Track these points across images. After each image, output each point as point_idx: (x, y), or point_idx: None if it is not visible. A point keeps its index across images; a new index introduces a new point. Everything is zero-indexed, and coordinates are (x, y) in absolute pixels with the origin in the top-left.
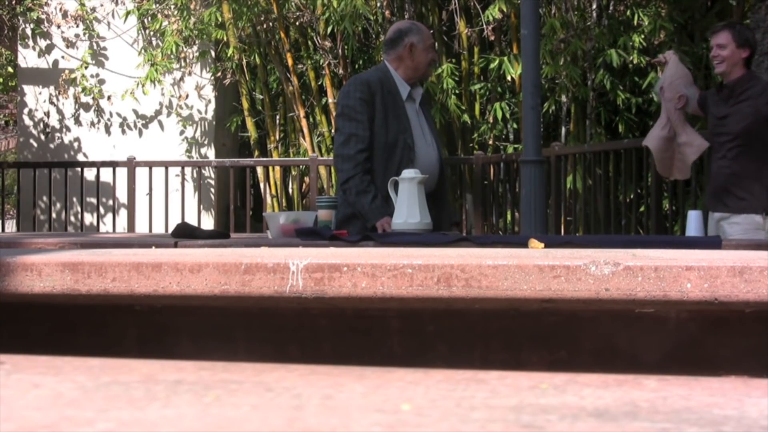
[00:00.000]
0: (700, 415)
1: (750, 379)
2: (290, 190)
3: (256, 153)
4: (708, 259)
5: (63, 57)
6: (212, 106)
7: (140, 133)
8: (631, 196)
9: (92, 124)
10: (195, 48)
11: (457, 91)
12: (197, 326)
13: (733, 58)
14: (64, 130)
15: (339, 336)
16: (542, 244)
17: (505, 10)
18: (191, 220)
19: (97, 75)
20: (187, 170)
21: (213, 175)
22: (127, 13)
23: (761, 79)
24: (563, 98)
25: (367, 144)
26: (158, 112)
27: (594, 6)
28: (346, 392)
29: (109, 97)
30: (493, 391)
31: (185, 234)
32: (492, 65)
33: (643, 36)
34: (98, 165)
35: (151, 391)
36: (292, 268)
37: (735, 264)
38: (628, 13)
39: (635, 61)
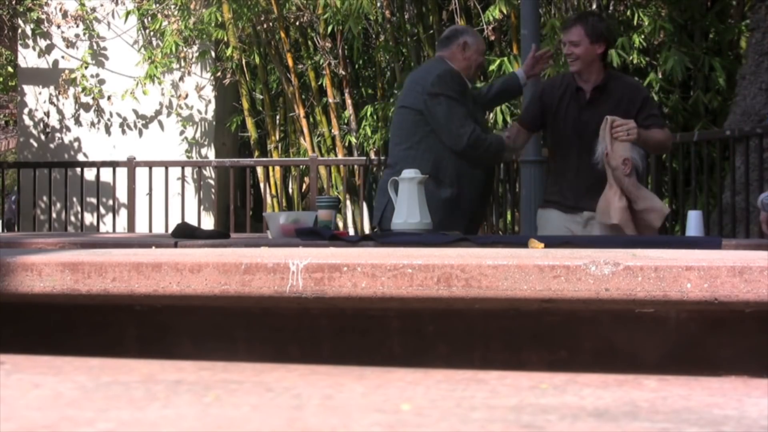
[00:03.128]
0: (700, 415)
1: (750, 379)
2: (290, 190)
3: (256, 153)
4: (708, 259)
5: (63, 57)
6: (212, 106)
7: (140, 133)
8: None
9: (92, 124)
10: (195, 48)
11: None
12: (197, 326)
13: (588, 55)
14: (64, 130)
15: (339, 336)
16: (542, 244)
17: (505, 10)
18: (191, 220)
19: (97, 75)
20: (187, 170)
21: (213, 175)
22: (127, 13)
23: (624, 78)
24: None
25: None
26: (158, 112)
27: (594, 6)
28: (346, 392)
29: (109, 97)
30: (493, 391)
31: (185, 234)
32: (492, 66)
33: (642, 36)
34: (98, 165)
35: (151, 391)
36: (292, 268)
37: (735, 264)
38: (628, 13)
39: (635, 61)
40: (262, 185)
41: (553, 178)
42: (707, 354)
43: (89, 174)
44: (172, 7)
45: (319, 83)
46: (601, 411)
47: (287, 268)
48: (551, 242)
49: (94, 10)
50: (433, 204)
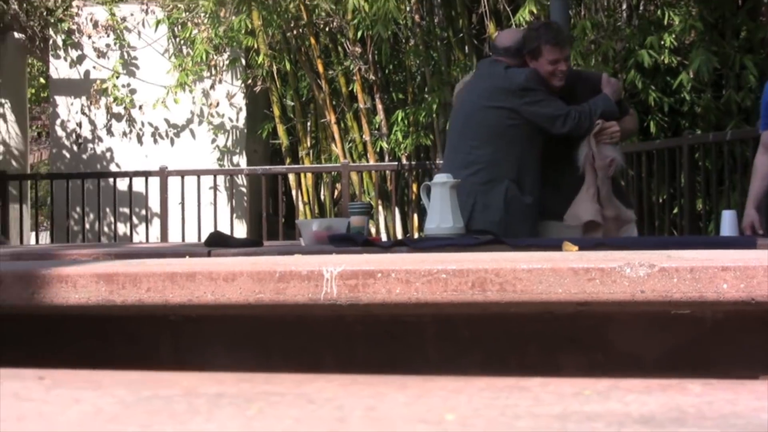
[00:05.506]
0: (748, 420)
1: None
2: (322, 197)
3: (288, 160)
4: (744, 259)
5: (94, 67)
6: (243, 113)
7: (172, 143)
8: (664, 197)
9: (124, 134)
10: (225, 56)
11: None
12: (232, 335)
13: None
14: (96, 140)
15: (374, 342)
16: (576, 247)
17: (535, 11)
18: (224, 228)
19: (128, 85)
20: (219, 179)
21: (245, 183)
22: (158, 22)
23: (580, 73)
24: None
25: None
26: (189, 121)
27: (624, 6)
28: (389, 402)
29: (140, 107)
30: (536, 399)
31: (218, 243)
32: None
33: (673, 35)
34: (131, 175)
35: (193, 405)
36: (326, 276)
37: None
38: (659, 12)
39: (666, 61)
40: (294, 192)
41: (550, 189)
42: (745, 356)
43: (122, 184)
44: (202, 15)
45: (350, 89)
46: (647, 418)
47: (321, 276)
48: (585, 245)
49: (124, 19)
50: (517, 210)
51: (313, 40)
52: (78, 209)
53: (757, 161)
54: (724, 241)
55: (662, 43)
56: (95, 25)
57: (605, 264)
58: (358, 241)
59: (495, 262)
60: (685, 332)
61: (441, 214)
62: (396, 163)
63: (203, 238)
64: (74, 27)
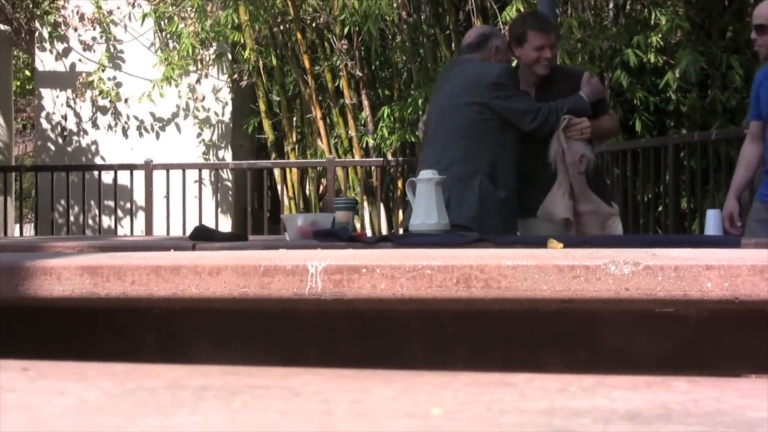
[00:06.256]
0: (734, 418)
1: None
2: (307, 192)
3: (273, 155)
4: (728, 258)
5: (80, 60)
6: (229, 108)
7: (157, 136)
8: (649, 196)
9: (109, 127)
10: (211, 50)
11: None
12: (217, 329)
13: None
14: (81, 133)
15: (359, 338)
16: (561, 244)
17: (522, 9)
18: (209, 222)
19: (114, 78)
20: (205, 173)
21: (230, 178)
22: (144, 16)
23: (563, 68)
24: None
25: None
26: (175, 115)
27: (611, 5)
28: (374, 397)
29: (126, 100)
30: (522, 395)
31: (203, 237)
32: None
33: (660, 35)
34: (116, 168)
35: (178, 397)
36: (311, 270)
37: (756, 263)
38: (645, 12)
39: (652, 61)
40: (279, 187)
41: (530, 186)
42: (730, 354)
43: (107, 177)
44: (189, 9)
45: (336, 84)
46: (634, 414)
47: (306, 270)
48: (570, 242)
49: (110, 13)
50: (492, 205)
51: (299, 36)
52: (63, 202)
53: (743, 150)
54: (708, 240)
55: (648, 42)
56: (81, 18)
57: (590, 261)
58: (343, 237)
59: (480, 258)
60: (670, 330)
61: (426, 210)
62: (381, 159)
63: (188, 232)
64: (60, 20)
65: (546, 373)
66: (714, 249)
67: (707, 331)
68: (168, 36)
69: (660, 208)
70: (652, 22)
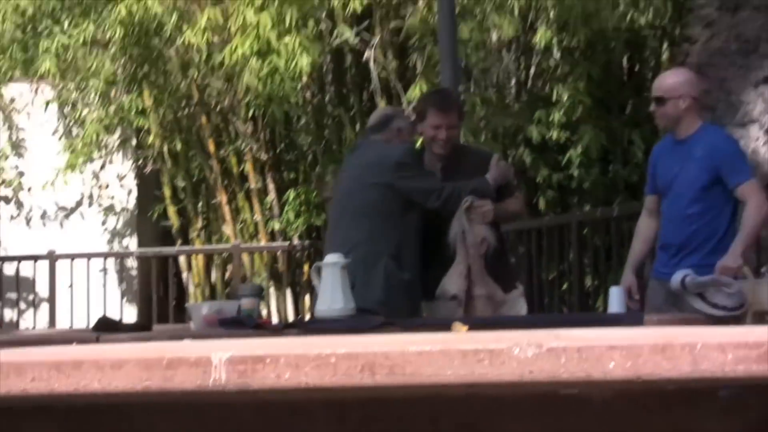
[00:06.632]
0: None
1: None
2: (213, 278)
3: (179, 241)
4: (630, 338)
5: None
6: (134, 194)
7: (61, 225)
8: (554, 274)
9: (12, 216)
10: (116, 136)
11: None
12: (120, 424)
13: (457, 138)
14: None
15: (264, 429)
16: (466, 327)
17: (425, 88)
18: (114, 312)
19: (17, 167)
20: (109, 261)
21: (136, 266)
22: (48, 103)
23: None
24: None
25: None
26: (79, 203)
27: (513, 82)
28: None
29: (29, 189)
30: None
31: (107, 328)
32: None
33: (562, 111)
34: (18, 259)
35: None
36: (214, 362)
37: (657, 342)
38: (548, 88)
39: (555, 137)
40: (185, 274)
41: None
42: None
43: (9, 268)
44: (93, 95)
45: (241, 168)
46: None
47: (210, 362)
48: (475, 325)
49: (12, 100)
50: (397, 287)
51: (204, 120)
52: None
53: (639, 224)
54: (612, 318)
55: (551, 119)
56: None
57: (495, 345)
58: (249, 325)
59: (385, 344)
60: (574, 411)
61: (332, 295)
62: (287, 243)
63: (93, 323)
64: None
65: None
66: (617, 328)
67: (611, 412)
68: (71, 122)
69: (564, 286)
70: (554, 99)
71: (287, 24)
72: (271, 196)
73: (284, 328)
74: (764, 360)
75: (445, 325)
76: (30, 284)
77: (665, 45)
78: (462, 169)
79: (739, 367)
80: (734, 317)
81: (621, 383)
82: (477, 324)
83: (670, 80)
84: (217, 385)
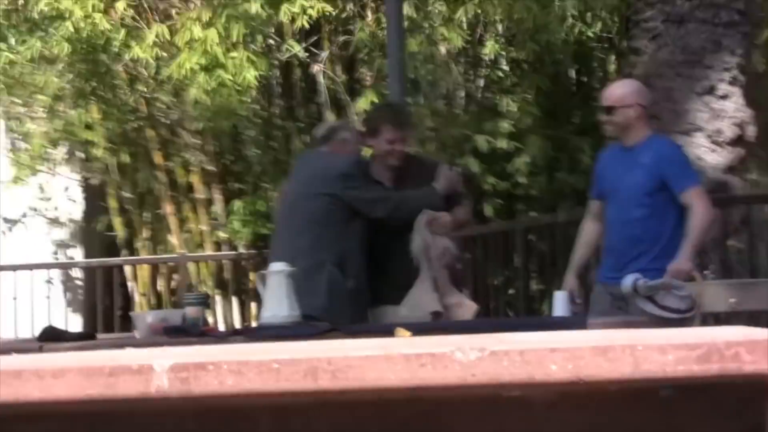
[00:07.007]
0: None
1: None
2: (159, 288)
3: (124, 252)
4: (572, 340)
5: None
6: (79, 206)
7: (5, 236)
8: (500, 279)
9: None
10: (62, 149)
11: None
12: None
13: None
14: None
15: None
16: (409, 333)
17: (375, 100)
18: (59, 322)
19: None
20: (55, 272)
21: (81, 276)
22: None
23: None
24: None
25: None
26: (24, 215)
27: (462, 94)
28: None
29: None
30: None
31: (51, 337)
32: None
33: (510, 122)
34: None
35: None
36: (157, 369)
37: (598, 344)
38: (496, 99)
39: (502, 147)
40: (130, 284)
41: (380, 275)
42: None
43: None
44: (40, 109)
45: (188, 179)
46: None
47: (152, 369)
48: (419, 330)
49: None
50: (341, 295)
51: (152, 132)
52: None
53: (584, 228)
54: (555, 321)
55: (499, 129)
56: None
57: (437, 349)
58: (194, 332)
59: (327, 350)
60: (517, 414)
61: (277, 302)
62: (234, 252)
63: (37, 334)
64: None
65: None
66: (559, 331)
67: (554, 413)
68: (18, 136)
69: (510, 291)
70: (503, 110)
71: (234, 39)
72: (218, 206)
73: (229, 336)
74: (704, 360)
75: (388, 331)
76: None
77: (612, 57)
78: (411, 179)
79: (679, 367)
80: (685, 320)
81: (563, 385)
82: (420, 329)
83: (620, 90)
84: (159, 392)
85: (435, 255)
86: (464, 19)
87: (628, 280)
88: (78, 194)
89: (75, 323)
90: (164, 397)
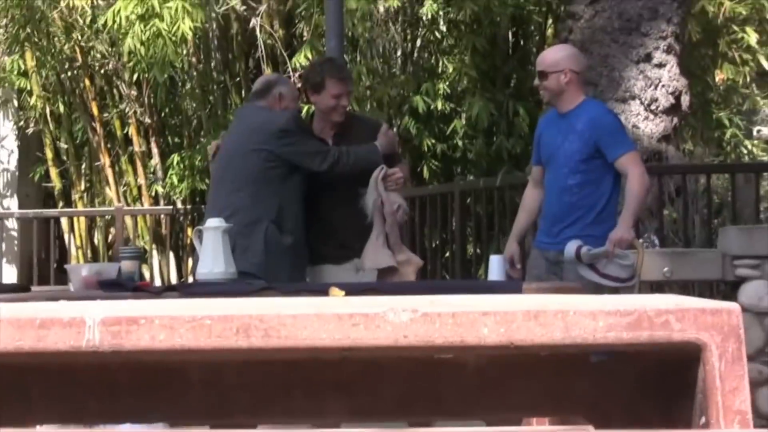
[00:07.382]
0: None
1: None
2: (96, 241)
3: (61, 203)
4: (504, 304)
5: None
6: (15, 156)
7: None
8: (437, 242)
9: None
10: None
11: None
12: None
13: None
14: None
15: (139, 390)
16: (343, 292)
17: (310, 56)
18: None
19: None
20: None
21: (16, 227)
22: None
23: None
24: None
25: None
26: None
27: (399, 53)
28: None
29: None
30: None
31: None
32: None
33: (447, 83)
34: None
35: None
36: (88, 322)
37: (530, 308)
38: (433, 60)
39: (440, 108)
40: (66, 236)
41: (322, 233)
42: (509, 399)
43: None
44: None
45: (125, 132)
46: None
47: (83, 322)
48: (353, 290)
49: None
50: (278, 252)
51: (88, 82)
52: None
53: (525, 195)
54: (490, 285)
55: (436, 89)
56: None
57: (369, 309)
58: (129, 287)
59: (260, 307)
60: (449, 376)
61: (213, 258)
62: (171, 207)
63: None
64: None
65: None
66: (493, 295)
67: (486, 377)
68: None
69: (447, 254)
70: (440, 70)
71: None
72: (155, 160)
73: (164, 291)
74: (634, 327)
75: (323, 290)
76: None
77: (549, 21)
78: (352, 137)
79: (609, 333)
80: (626, 288)
81: (495, 348)
82: (354, 289)
83: (553, 55)
84: (90, 345)
85: (389, 211)
86: None
87: (570, 247)
88: (13, 144)
89: (10, 275)
90: (95, 351)
